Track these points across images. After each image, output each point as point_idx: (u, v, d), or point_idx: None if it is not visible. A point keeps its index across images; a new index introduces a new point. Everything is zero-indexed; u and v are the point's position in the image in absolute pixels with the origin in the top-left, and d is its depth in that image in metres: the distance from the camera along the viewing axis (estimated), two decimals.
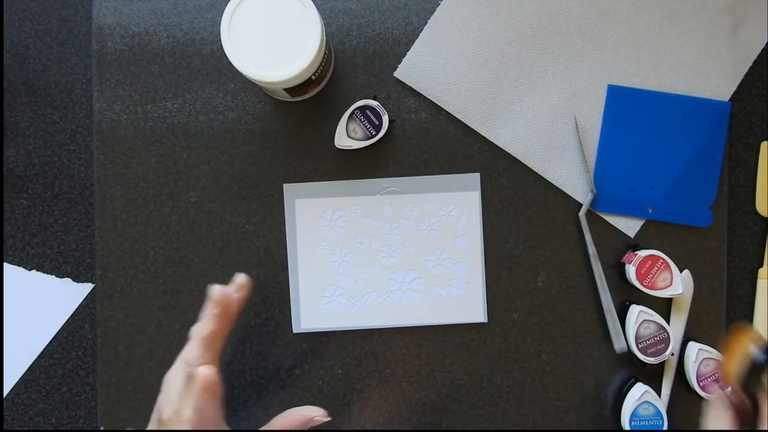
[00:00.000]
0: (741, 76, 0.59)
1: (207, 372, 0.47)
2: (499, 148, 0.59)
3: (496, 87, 0.59)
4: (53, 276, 0.62)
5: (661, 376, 0.59)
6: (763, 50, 0.59)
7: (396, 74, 0.59)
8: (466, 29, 0.59)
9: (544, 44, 0.59)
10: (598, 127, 0.59)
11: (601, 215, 0.59)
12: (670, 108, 0.59)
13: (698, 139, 0.59)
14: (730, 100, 0.59)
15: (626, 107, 0.59)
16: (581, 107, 0.59)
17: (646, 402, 0.57)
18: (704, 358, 0.57)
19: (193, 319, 0.60)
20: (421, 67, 0.59)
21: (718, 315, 0.59)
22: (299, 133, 0.60)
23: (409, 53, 0.59)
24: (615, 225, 0.59)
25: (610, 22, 0.59)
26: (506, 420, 0.59)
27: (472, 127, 0.59)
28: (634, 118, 0.59)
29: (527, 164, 0.59)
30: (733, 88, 0.59)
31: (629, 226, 0.59)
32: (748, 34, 0.59)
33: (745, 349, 0.48)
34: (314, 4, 0.50)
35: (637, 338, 0.57)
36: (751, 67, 0.59)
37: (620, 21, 0.59)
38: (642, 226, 0.59)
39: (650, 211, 0.59)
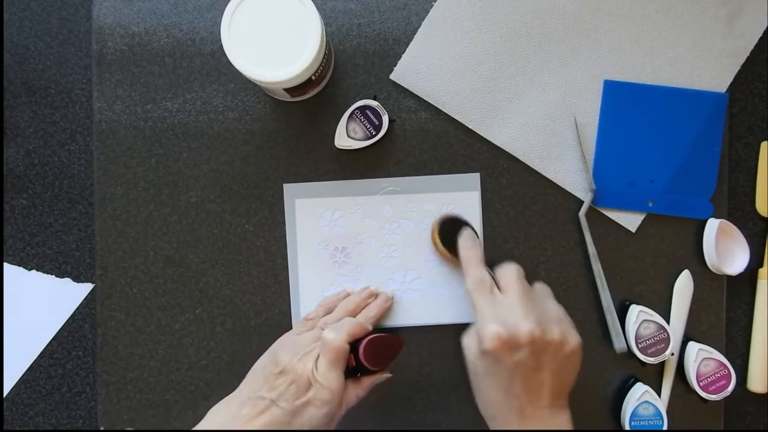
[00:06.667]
0: (737, 68, 0.59)
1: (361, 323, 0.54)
2: (499, 148, 0.59)
3: (492, 86, 0.59)
4: (53, 276, 0.62)
5: (661, 376, 0.59)
6: (762, 49, 0.59)
7: (392, 77, 0.59)
8: (460, 29, 0.59)
9: (538, 42, 0.59)
10: (595, 123, 0.59)
11: (601, 210, 0.59)
12: (667, 101, 0.59)
13: (696, 131, 0.59)
14: (727, 91, 0.59)
15: (623, 102, 0.59)
16: (578, 103, 0.59)
17: (646, 402, 0.57)
18: (704, 358, 0.57)
19: (193, 319, 0.60)
20: (417, 69, 0.59)
21: (718, 315, 0.59)
22: (299, 133, 0.60)
23: (404, 55, 0.59)
24: (616, 220, 0.59)
25: (605, 17, 0.59)
26: None
27: (470, 126, 0.59)
28: (631, 112, 0.59)
29: (526, 162, 0.59)
30: (730, 80, 0.59)
31: (630, 221, 0.59)
32: (744, 24, 0.59)
33: None
34: (314, 4, 0.50)
35: (637, 338, 0.57)
36: (750, 66, 0.59)
37: (614, 16, 0.59)
38: (643, 221, 0.59)
39: (651, 204, 0.59)
